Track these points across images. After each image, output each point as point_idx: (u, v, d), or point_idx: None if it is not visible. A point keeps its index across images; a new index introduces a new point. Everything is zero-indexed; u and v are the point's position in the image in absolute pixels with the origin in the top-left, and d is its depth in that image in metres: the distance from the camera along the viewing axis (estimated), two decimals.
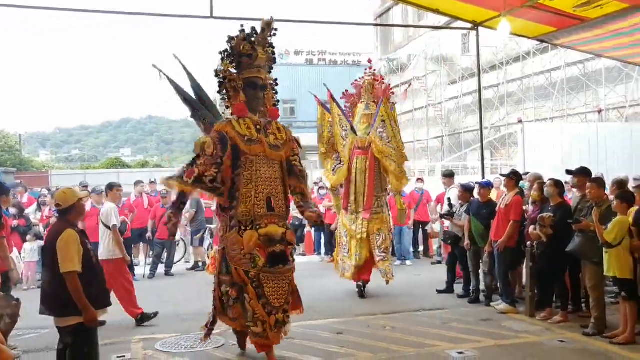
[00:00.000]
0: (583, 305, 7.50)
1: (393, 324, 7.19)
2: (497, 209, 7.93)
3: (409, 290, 9.36)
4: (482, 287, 8.35)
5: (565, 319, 7.10)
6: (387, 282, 8.66)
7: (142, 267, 12.10)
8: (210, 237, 12.89)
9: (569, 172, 7.39)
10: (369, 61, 10.16)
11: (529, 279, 7.51)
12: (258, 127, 5.44)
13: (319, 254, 13.66)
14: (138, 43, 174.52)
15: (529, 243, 7.44)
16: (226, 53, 5.47)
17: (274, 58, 5.72)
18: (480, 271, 8.33)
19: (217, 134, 5.28)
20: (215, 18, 9.17)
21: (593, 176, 7.08)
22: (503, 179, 8.47)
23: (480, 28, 10.22)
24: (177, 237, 12.26)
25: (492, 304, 7.98)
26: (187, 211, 12.29)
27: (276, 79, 5.80)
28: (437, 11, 10.01)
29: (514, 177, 7.97)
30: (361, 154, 8.78)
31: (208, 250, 12.22)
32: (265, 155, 5.37)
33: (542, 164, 12.53)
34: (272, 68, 5.69)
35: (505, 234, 7.61)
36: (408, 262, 12.14)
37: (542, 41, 11.28)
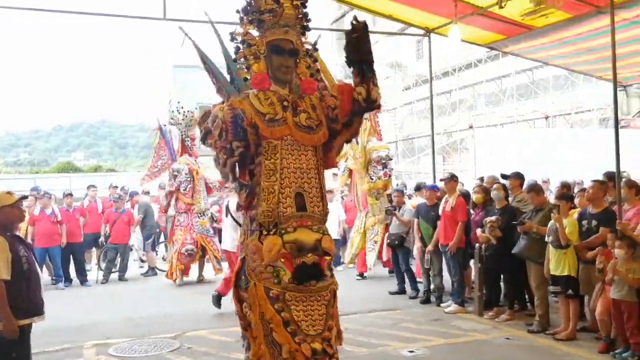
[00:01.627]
0: (528, 304, 7.79)
1: (345, 325, 7.23)
2: (440, 212, 8.15)
3: (362, 291, 9.51)
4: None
5: (512, 317, 7.36)
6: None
7: (94, 272, 11.91)
8: (164, 238, 12.80)
9: (504, 176, 7.81)
10: None
11: (478, 280, 7.75)
12: (285, 103, 4.01)
13: None
14: (90, 44, 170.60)
15: (477, 245, 7.67)
16: (244, 11, 4.11)
17: (307, 14, 4.19)
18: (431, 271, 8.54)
19: (232, 114, 3.82)
20: (168, 20, 9.11)
21: (531, 181, 7.43)
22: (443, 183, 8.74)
23: (432, 35, 10.48)
24: (130, 242, 12.13)
25: (442, 304, 8.20)
26: (136, 216, 12.21)
27: (315, 42, 4.32)
28: (390, 17, 10.19)
29: (455, 180, 8.29)
30: None
31: (167, 254, 12.10)
32: (293, 139, 3.95)
33: (492, 168, 12.88)
34: (307, 28, 4.21)
35: (456, 235, 7.84)
36: None
37: (492, 48, 11.62)
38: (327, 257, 3.95)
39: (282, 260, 3.81)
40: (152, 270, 12.26)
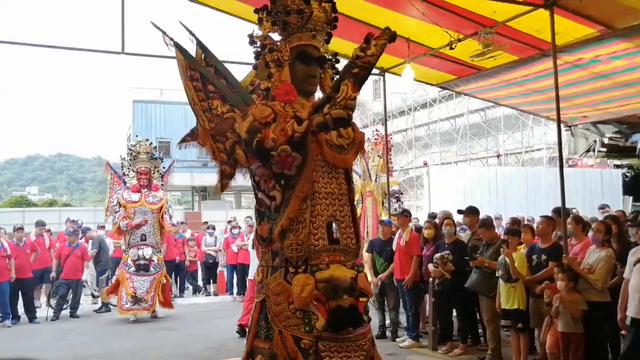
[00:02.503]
0: (481, 338, 7.91)
1: None
2: (394, 247, 8.28)
3: None
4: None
5: (465, 351, 7.45)
6: None
7: (44, 309, 11.53)
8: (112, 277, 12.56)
9: (460, 211, 8.02)
10: None
11: (432, 314, 7.84)
12: None
13: (231, 293, 13.55)
14: (47, 77, 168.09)
15: (430, 279, 7.80)
16: (265, 11, 3.48)
17: (335, 19, 3.56)
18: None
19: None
20: (127, 54, 9.13)
21: (485, 216, 7.64)
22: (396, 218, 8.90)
23: (387, 74, 10.78)
24: (83, 278, 11.84)
25: (397, 339, 8.24)
26: (89, 251, 11.97)
27: (336, 53, 3.68)
28: (344, 56, 10.45)
29: (407, 215, 8.47)
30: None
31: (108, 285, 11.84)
32: (323, 160, 3.31)
33: (445, 204, 13.17)
34: (330, 35, 3.58)
35: (412, 270, 7.95)
36: None
37: (444, 88, 12.00)
38: (364, 299, 3.34)
39: (315, 303, 3.15)
40: (105, 306, 11.95)
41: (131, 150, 11.05)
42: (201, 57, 3.67)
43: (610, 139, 18.25)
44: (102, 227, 14.10)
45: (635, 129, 16.12)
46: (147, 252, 10.53)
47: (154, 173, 10.97)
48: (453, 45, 7.84)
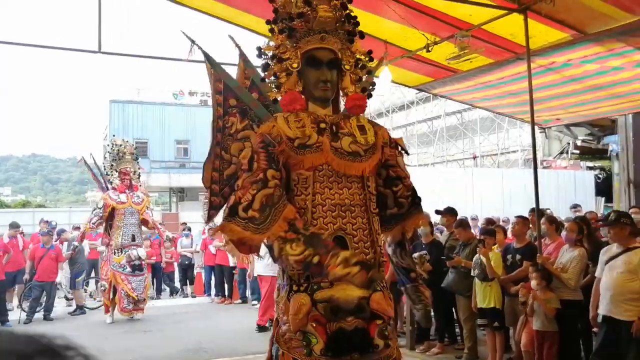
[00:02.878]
0: (458, 337, 8.01)
1: None
2: None
3: None
4: None
5: (442, 351, 7.55)
6: None
7: (16, 312, 11.36)
8: (92, 275, 12.42)
9: (438, 212, 8.11)
10: None
11: (409, 314, 7.92)
12: (322, 125, 3.14)
13: (209, 295, 13.50)
14: (21, 76, 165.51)
15: None
16: (274, 20, 3.27)
17: (350, 16, 3.29)
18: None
19: (261, 139, 3.07)
20: (103, 53, 9.05)
21: (460, 217, 7.75)
22: None
23: None
24: (57, 280, 11.70)
25: None
26: (64, 253, 11.83)
27: (370, 51, 3.34)
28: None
29: None
30: None
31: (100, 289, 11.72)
32: (331, 169, 3.08)
33: (423, 205, 13.33)
34: (353, 34, 3.28)
35: (389, 270, 7.99)
36: None
37: (421, 90, 12.11)
38: (379, 321, 2.95)
39: (314, 324, 2.91)
40: (80, 309, 11.82)
41: (118, 150, 10.95)
42: (210, 71, 3.61)
43: (583, 141, 18.58)
44: (78, 228, 13.95)
45: (606, 132, 16.43)
46: (141, 252, 10.57)
47: (133, 174, 10.93)
48: (430, 48, 7.93)
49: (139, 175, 11.18)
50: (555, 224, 6.92)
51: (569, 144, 19.36)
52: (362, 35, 3.28)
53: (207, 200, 3.34)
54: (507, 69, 8.50)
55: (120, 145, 10.97)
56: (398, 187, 3.22)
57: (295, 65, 3.16)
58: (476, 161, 23.46)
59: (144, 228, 11.29)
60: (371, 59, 3.34)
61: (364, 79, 3.31)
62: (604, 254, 5.57)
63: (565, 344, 5.99)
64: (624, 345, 5.21)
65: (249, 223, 2.79)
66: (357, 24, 3.28)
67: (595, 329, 5.97)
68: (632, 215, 6.28)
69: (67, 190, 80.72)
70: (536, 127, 9.51)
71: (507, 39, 7.68)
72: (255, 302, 12.04)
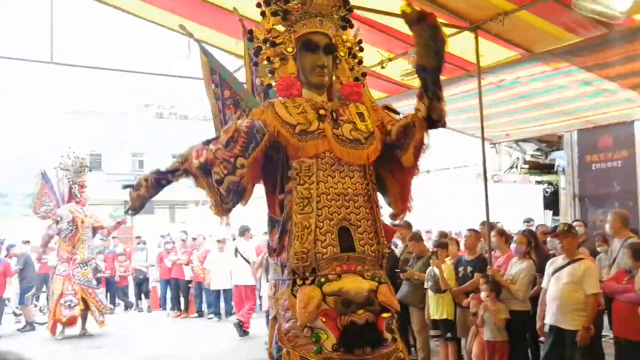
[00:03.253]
0: (412, 348, 8.12)
1: None
2: None
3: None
4: None
5: None
6: None
7: None
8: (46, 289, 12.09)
9: (394, 225, 8.22)
10: None
11: None
12: (321, 111, 2.99)
13: (165, 309, 13.32)
14: None
15: None
16: (265, 2, 3.11)
17: (347, 2, 3.19)
18: None
19: (250, 124, 2.91)
20: (56, 64, 8.91)
21: (414, 230, 7.92)
22: None
23: None
24: (5, 295, 11.35)
25: None
26: (13, 268, 11.51)
27: (360, 40, 3.33)
28: None
29: None
30: None
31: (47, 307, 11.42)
32: (333, 157, 2.94)
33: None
34: (348, 21, 3.20)
35: None
36: None
37: None
38: (386, 315, 2.84)
39: (323, 319, 2.75)
40: (29, 325, 11.47)
41: (81, 163, 10.78)
42: (206, 63, 3.53)
43: (531, 156, 19.13)
44: (27, 242, 13.56)
45: (553, 147, 17.00)
46: (100, 265, 10.48)
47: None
48: (384, 64, 8.09)
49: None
50: (505, 236, 7.12)
51: (518, 159, 19.90)
52: (351, 24, 3.20)
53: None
54: (459, 85, 8.73)
55: (82, 159, 10.88)
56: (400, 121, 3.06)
57: (290, 49, 3.05)
58: (429, 175, 23.86)
59: (96, 242, 11.13)
60: (361, 49, 3.29)
61: (355, 69, 3.23)
62: (550, 266, 5.79)
63: (515, 353, 6.17)
64: (569, 354, 5.42)
65: (218, 198, 2.95)
66: (351, 10, 3.20)
67: (542, 338, 6.17)
68: (577, 228, 6.55)
69: (18, 204, 78.07)
70: (486, 143, 9.80)
71: (459, 57, 7.92)
72: (211, 315, 11.97)
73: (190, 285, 12.59)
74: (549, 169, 18.83)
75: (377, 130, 3.03)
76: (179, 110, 41.18)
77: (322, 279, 2.79)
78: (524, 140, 17.19)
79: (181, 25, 3.80)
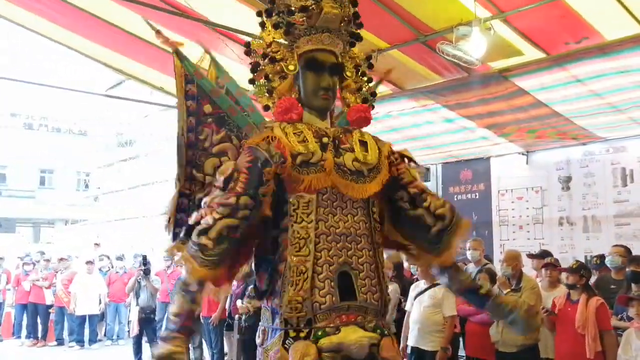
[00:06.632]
0: None
1: None
2: None
3: None
4: None
5: None
6: None
7: None
8: None
9: None
10: None
11: (236, 350, 7.97)
12: (324, 139, 2.61)
13: (19, 337, 12.37)
14: None
15: (237, 316, 7.94)
16: (267, 13, 2.74)
17: (357, 15, 2.78)
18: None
19: (251, 156, 2.49)
20: None
21: None
22: None
23: None
24: None
25: None
26: None
27: (370, 56, 3.05)
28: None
29: None
30: None
31: None
32: (336, 192, 2.56)
33: None
34: (357, 37, 2.81)
35: (219, 307, 8.05)
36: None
37: None
38: None
39: None
40: None
41: None
42: (215, 79, 3.01)
43: None
44: None
45: (422, 178, 18.07)
46: None
47: None
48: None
49: None
50: None
51: None
52: (361, 38, 2.84)
53: (170, 232, 2.70)
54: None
55: None
56: (428, 202, 2.68)
57: (291, 67, 2.66)
58: None
59: None
60: (371, 66, 2.91)
61: (364, 89, 2.84)
62: (413, 290, 6.19)
63: None
64: None
65: (198, 252, 2.30)
66: (361, 25, 2.81)
67: None
68: None
69: None
70: None
71: None
72: (73, 343, 11.31)
73: (50, 310, 11.82)
74: None
75: (383, 163, 2.67)
76: (50, 122, 38.75)
77: (319, 332, 2.41)
78: None
79: (145, 20, 3.30)
